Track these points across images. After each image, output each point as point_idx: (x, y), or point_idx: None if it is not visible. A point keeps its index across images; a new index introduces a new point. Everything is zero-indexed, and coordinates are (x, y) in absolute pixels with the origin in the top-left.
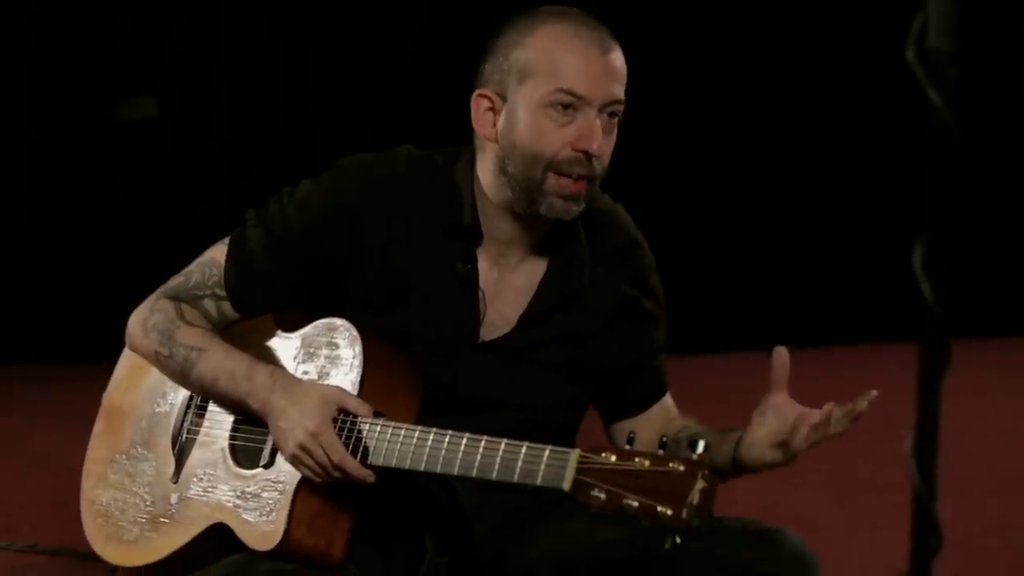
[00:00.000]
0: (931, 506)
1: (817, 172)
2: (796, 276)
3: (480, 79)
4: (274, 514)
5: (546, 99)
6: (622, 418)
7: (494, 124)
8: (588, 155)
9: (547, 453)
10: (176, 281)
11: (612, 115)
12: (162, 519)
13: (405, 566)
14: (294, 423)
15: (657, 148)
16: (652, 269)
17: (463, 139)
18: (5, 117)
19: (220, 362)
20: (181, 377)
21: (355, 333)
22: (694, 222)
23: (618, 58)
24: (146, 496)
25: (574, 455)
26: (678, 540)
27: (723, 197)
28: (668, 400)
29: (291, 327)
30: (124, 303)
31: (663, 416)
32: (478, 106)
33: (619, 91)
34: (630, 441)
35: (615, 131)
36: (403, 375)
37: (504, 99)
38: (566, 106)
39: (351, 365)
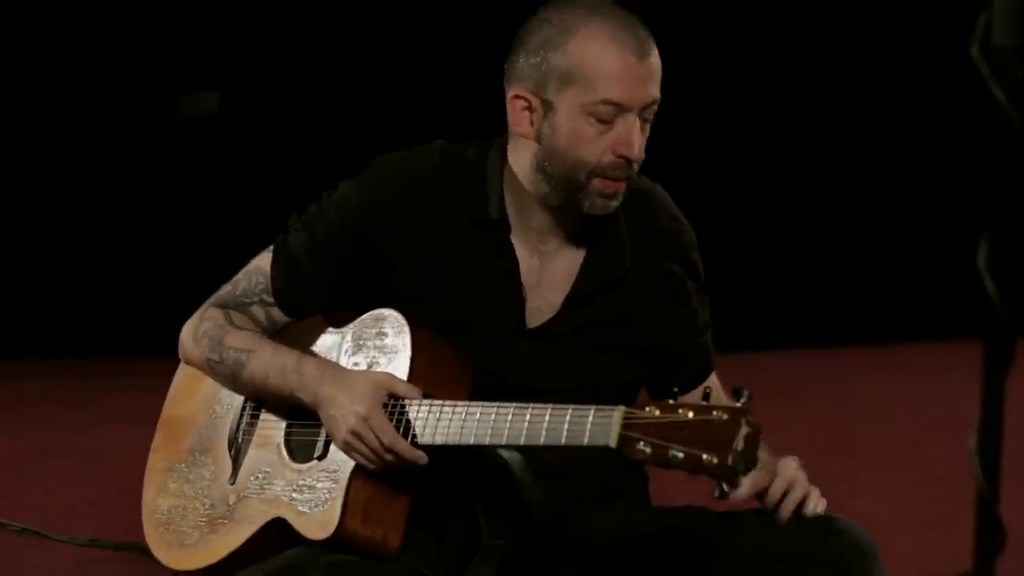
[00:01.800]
0: (995, 505)
1: (881, 169)
2: (859, 272)
3: (513, 75)
4: (329, 503)
5: (587, 108)
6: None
7: (531, 123)
8: (628, 160)
9: (592, 413)
10: (224, 290)
11: (648, 113)
12: (221, 520)
13: (459, 550)
14: (344, 410)
15: (714, 142)
16: (693, 245)
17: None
18: (66, 108)
19: (269, 360)
20: (232, 380)
21: (403, 321)
22: (749, 217)
23: (655, 59)
24: (205, 500)
25: (619, 412)
26: (726, 488)
27: (785, 193)
28: (714, 379)
29: (340, 322)
30: (183, 298)
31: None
32: (515, 106)
33: (656, 91)
34: (673, 396)
35: (649, 124)
36: (453, 361)
37: (542, 101)
38: (607, 115)
39: (400, 352)
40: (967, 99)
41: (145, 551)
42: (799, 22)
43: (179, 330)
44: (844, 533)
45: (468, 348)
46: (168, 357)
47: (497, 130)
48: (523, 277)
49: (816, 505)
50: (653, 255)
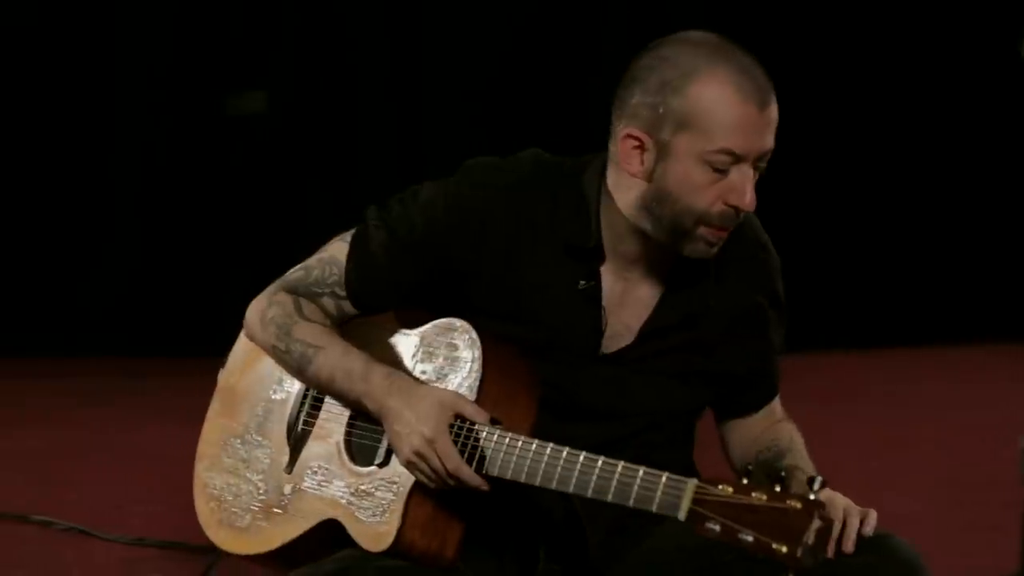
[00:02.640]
0: None
1: (932, 169)
2: (908, 274)
3: (626, 111)
4: (387, 515)
5: (704, 156)
6: (733, 418)
7: (641, 163)
8: (738, 210)
9: (664, 480)
10: (295, 275)
11: (762, 162)
12: (275, 509)
13: (518, 569)
14: (410, 428)
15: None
16: (777, 272)
17: (575, 132)
18: (116, 109)
19: (337, 360)
20: (298, 373)
21: (474, 336)
22: (799, 219)
23: (775, 108)
24: (260, 484)
25: (690, 486)
26: None
27: (836, 193)
28: (775, 401)
29: (411, 324)
30: (233, 298)
31: (768, 416)
32: (626, 145)
33: (772, 141)
34: (748, 473)
35: (760, 173)
36: (522, 380)
37: (656, 142)
38: (722, 164)
39: (469, 369)
40: (1018, 99)
41: (192, 549)
42: (849, 25)
43: (224, 329)
44: (895, 552)
45: (540, 366)
46: (216, 356)
47: (545, 130)
48: (605, 301)
49: (853, 535)
50: (737, 287)
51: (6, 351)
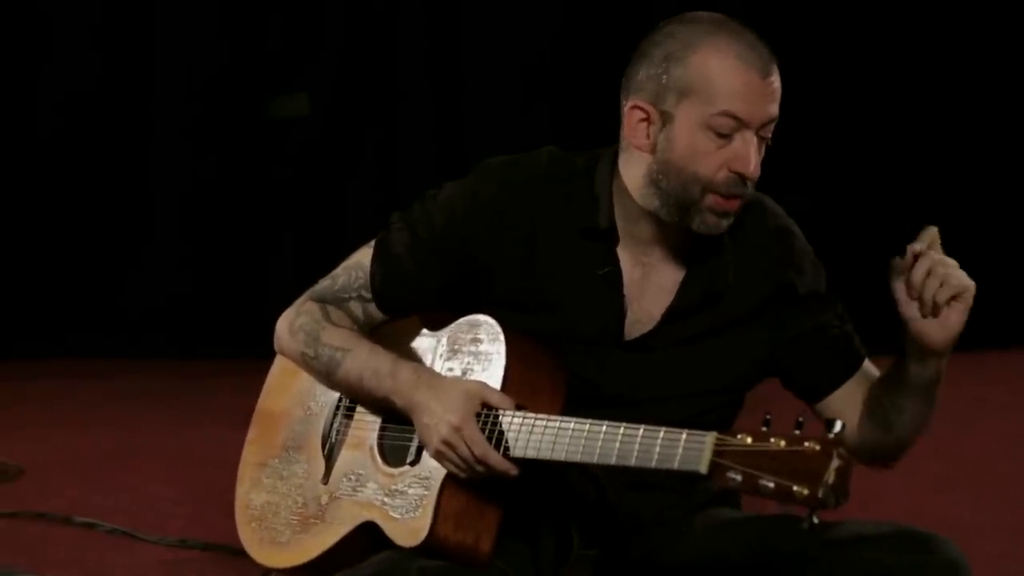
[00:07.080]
0: None
1: (972, 173)
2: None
3: (632, 85)
4: (420, 510)
5: (706, 121)
6: (822, 396)
7: (647, 136)
8: (743, 177)
9: (684, 437)
10: (323, 284)
11: (766, 132)
12: (313, 520)
13: (552, 560)
14: (437, 418)
15: (807, 147)
16: (806, 252)
17: (611, 132)
18: (159, 114)
19: (364, 361)
20: (327, 377)
21: (498, 329)
22: (834, 221)
23: (777, 79)
24: (297, 498)
25: (710, 438)
26: (816, 520)
27: (872, 197)
28: (868, 368)
29: (436, 325)
30: (275, 300)
31: (866, 384)
32: (632, 117)
33: (775, 110)
34: (767, 422)
35: (766, 144)
36: (547, 370)
37: (661, 113)
38: (725, 129)
39: (495, 360)
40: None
41: (234, 552)
42: (886, 23)
43: (267, 330)
44: (940, 551)
45: (564, 356)
46: (257, 357)
47: (582, 129)
48: (625, 288)
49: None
50: (758, 268)
51: (50, 352)
